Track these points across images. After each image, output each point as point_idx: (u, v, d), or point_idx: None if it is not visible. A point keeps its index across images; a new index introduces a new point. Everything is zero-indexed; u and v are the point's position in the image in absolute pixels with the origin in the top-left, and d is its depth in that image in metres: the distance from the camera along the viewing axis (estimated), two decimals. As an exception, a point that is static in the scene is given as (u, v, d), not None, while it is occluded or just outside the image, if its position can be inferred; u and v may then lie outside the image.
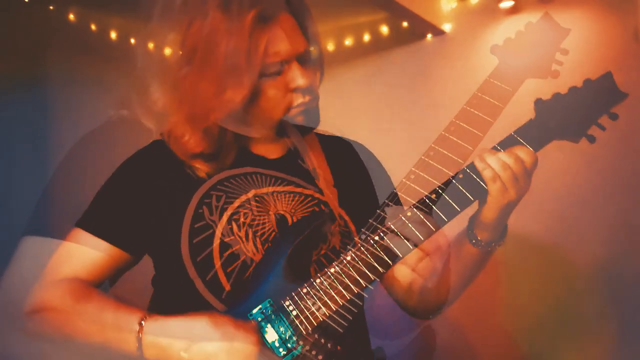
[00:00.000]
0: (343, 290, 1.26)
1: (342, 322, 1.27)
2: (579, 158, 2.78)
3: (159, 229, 1.38)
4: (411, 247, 1.27)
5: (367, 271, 1.26)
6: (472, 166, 1.28)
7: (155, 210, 1.38)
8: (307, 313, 1.26)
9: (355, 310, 1.27)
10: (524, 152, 1.26)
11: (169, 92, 1.39)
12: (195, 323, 1.22)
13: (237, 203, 1.38)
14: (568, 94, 1.33)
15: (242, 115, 1.37)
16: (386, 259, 1.26)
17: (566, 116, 1.31)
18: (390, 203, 1.29)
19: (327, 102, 1.53)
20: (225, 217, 1.36)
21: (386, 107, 3.48)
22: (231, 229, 1.36)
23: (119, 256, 1.38)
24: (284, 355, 1.25)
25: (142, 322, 1.23)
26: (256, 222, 1.37)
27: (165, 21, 1.42)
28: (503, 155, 1.25)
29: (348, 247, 1.30)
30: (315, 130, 1.59)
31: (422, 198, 1.28)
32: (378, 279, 1.27)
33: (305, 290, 1.28)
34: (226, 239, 1.35)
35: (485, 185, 1.26)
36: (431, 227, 1.27)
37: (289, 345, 1.25)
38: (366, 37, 3.51)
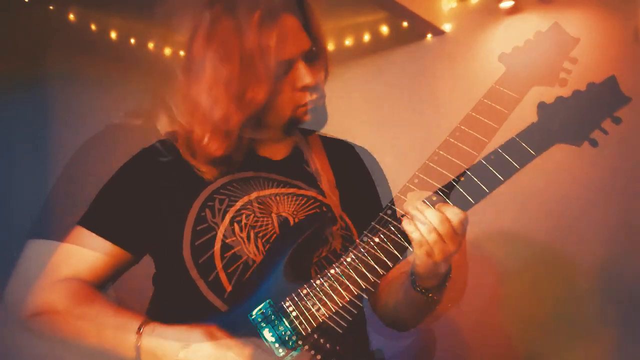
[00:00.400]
0: (343, 292, 1.26)
1: (342, 323, 1.27)
2: (580, 159, 2.77)
3: (160, 229, 1.38)
4: (411, 249, 1.27)
5: (367, 273, 1.26)
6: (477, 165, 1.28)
7: (157, 210, 1.38)
8: (307, 314, 1.26)
9: (355, 312, 1.27)
10: (452, 213, 1.22)
11: (188, 97, 1.39)
12: (191, 334, 1.22)
13: (239, 205, 1.38)
14: (571, 97, 1.32)
15: (253, 118, 1.37)
16: (386, 260, 1.26)
17: (569, 120, 1.31)
18: (393, 206, 1.29)
19: (326, 101, 1.54)
20: (227, 219, 1.36)
21: (386, 107, 3.48)
22: (233, 230, 1.36)
23: (120, 255, 1.38)
24: (284, 356, 1.25)
25: (141, 329, 1.24)
26: (258, 224, 1.37)
27: (174, 25, 1.42)
28: (431, 215, 1.21)
29: (349, 248, 1.30)
30: (318, 133, 1.59)
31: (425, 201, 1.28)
32: (378, 281, 1.27)
33: (305, 291, 1.28)
34: (228, 240, 1.35)
35: (412, 248, 1.25)
36: None
37: (288, 345, 1.25)
38: (366, 37, 3.51)
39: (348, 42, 3.54)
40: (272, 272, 1.30)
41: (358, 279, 1.26)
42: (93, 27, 3.02)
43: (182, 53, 1.47)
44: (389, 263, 1.26)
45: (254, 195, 1.40)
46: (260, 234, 1.37)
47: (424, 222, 1.22)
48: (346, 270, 1.27)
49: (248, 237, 1.36)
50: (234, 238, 1.35)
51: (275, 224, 1.39)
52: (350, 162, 1.61)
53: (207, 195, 1.39)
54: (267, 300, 1.28)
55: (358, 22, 3.51)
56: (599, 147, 1.31)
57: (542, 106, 1.32)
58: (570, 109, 1.31)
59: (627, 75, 1.44)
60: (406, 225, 1.24)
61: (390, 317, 1.53)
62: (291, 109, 1.41)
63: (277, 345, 1.25)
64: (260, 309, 1.27)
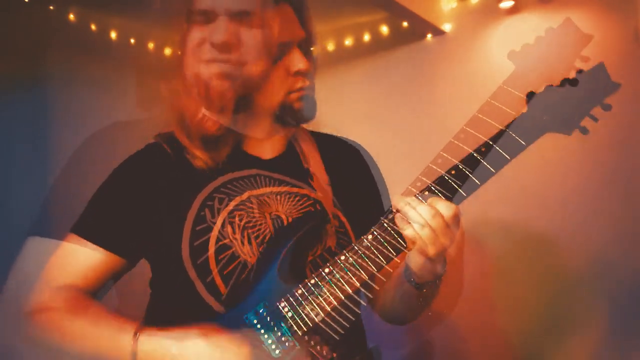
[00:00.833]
0: (337, 291, 1.26)
1: (340, 323, 1.27)
2: (581, 157, 2.77)
3: (157, 231, 1.37)
4: (403, 248, 1.27)
5: (360, 272, 1.26)
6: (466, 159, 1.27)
7: (153, 213, 1.37)
8: (303, 314, 1.26)
9: (352, 318, 1.27)
10: (444, 206, 1.23)
11: (184, 73, 1.40)
12: (187, 337, 1.22)
13: (232, 205, 1.38)
14: (560, 86, 1.30)
15: (245, 104, 1.39)
16: (381, 258, 1.26)
17: (559, 108, 1.29)
18: (394, 210, 1.28)
19: (327, 101, 1.54)
20: (221, 219, 1.36)
21: (386, 107, 3.48)
22: (227, 231, 1.35)
23: (114, 262, 1.38)
24: (280, 357, 1.24)
25: (136, 335, 1.23)
26: (252, 224, 1.37)
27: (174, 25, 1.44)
28: (424, 211, 1.21)
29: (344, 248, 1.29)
30: (311, 130, 1.59)
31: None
32: (370, 280, 1.27)
33: (300, 292, 1.28)
34: (222, 242, 1.34)
35: (405, 244, 1.26)
36: None
37: (284, 346, 1.25)
38: (366, 37, 3.51)
39: (348, 42, 3.53)
40: (267, 274, 1.30)
41: (352, 278, 1.26)
42: (93, 27, 3.03)
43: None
44: (382, 261, 1.26)
45: (245, 195, 1.40)
46: (254, 235, 1.36)
47: (415, 218, 1.22)
48: (340, 270, 1.27)
49: (242, 238, 1.35)
50: (227, 239, 1.35)
51: (270, 223, 1.38)
52: (343, 158, 1.61)
53: (206, 194, 1.38)
54: (262, 302, 1.28)
55: (358, 22, 3.50)
56: (599, 147, 1.31)
57: (531, 96, 1.30)
58: (559, 97, 1.29)
59: (627, 75, 1.44)
60: (399, 222, 1.24)
61: (387, 311, 1.53)
62: (283, 93, 1.43)
63: (273, 346, 1.25)
64: (255, 310, 1.27)
